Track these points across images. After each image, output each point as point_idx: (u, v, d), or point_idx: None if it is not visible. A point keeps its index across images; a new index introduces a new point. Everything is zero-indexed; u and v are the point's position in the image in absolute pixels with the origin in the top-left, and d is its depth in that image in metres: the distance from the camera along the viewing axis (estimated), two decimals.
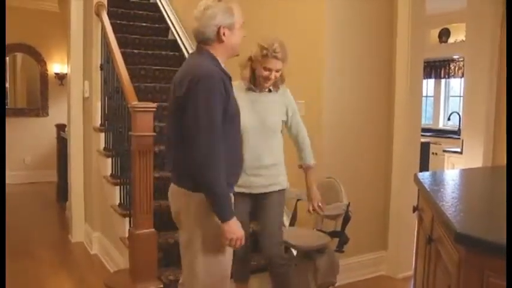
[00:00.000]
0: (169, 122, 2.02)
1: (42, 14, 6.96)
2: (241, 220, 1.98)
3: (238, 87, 2.41)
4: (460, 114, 6.39)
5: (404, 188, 3.48)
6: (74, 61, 4.29)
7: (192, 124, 1.82)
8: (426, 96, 7.50)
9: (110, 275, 3.44)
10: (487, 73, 3.79)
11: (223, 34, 1.92)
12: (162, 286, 2.85)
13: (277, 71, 2.50)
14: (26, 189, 6.78)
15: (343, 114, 3.41)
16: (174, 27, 5.38)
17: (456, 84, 7.44)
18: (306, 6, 3.44)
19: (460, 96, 7.00)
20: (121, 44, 3.95)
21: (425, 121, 7.20)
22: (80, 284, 3.45)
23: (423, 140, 4.78)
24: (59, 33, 6.40)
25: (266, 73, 2.49)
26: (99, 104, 3.98)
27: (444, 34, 7.10)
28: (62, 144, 5.54)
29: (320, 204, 2.67)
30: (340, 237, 2.88)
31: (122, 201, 3.38)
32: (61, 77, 7.38)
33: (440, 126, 7.46)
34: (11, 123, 6.44)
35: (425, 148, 5.60)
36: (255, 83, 2.57)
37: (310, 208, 2.68)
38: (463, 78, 6.18)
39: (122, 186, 3.40)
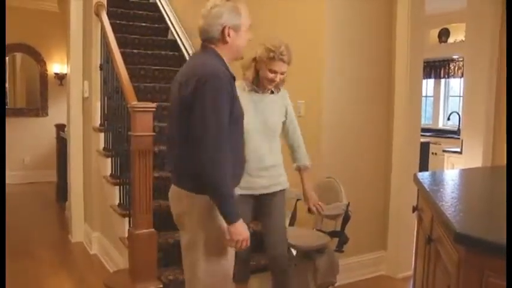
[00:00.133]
0: (171, 122, 1.98)
1: (42, 14, 6.96)
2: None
3: (240, 88, 2.40)
4: (460, 114, 6.39)
5: (404, 188, 3.48)
6: (73, 61, 4.29)
7: (199, 124, 1.79)
8: (426, 96, 7.49)
9: (109, 275, 3.44)
10: (487, 73, 3.79)
11: (228, 35, 1.89)
12: (161, 286, 2.84)
13: (282, 73, 2.49)
14: (25, 189, 6.78)
15: (343, 114, 3.41)
16: (174, 27, 5.38)
17: (456, 84, 7.43)
18: (306, 6, 3.44)
19: (460, 96, 6.99)
20: (120, 44, 3.95)
21: (425, 121, 7.19)
22: (80, 284, 3.46)
23: (423, 140, 4.77)
24: (58, 33, 6.39)
25: (272, 75, 2.48)
26: (98, 104, 3.98)
27: (444, 34, 7.10)
28: (62, 144, 5.55)
29: (319, 204, 2.67)
30: (340, 237, 2.88)
31: (122, 201, 3.38)
32: (61, 77, 7.37)
33: (440, 126, 7.45)
34: (10, 123, 6.43)
35: (425, 148, 5.60)
36: (258, 84, 2.56)
37: (312, 207, 2.67)
38: (462, 78, 6.18)
39: (121, 186, 3.41)
